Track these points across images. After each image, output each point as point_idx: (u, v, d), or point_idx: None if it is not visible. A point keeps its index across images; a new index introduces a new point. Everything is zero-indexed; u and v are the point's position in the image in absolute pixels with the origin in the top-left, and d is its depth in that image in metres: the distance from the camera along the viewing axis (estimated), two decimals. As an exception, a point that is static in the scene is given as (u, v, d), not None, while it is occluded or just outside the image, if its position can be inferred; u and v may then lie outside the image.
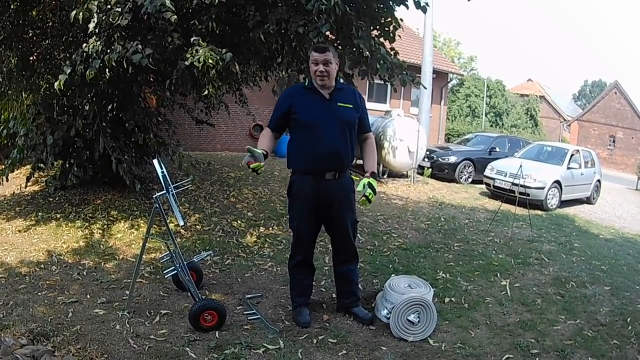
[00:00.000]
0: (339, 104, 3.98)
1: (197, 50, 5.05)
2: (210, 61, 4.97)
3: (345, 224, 4.17)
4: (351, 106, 4.01)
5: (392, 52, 6.31)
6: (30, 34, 7.04)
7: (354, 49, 5.73)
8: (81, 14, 5.00)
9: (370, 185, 3.90)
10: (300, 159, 4.03)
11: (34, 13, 6.59)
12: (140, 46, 4.97)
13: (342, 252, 4.31)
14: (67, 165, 7.03)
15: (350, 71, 6.45)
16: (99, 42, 5.06)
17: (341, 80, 4.60)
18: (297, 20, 5.39)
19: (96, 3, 4.97)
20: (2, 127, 7.35)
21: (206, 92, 5.40)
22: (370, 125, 7.77)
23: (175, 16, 4.82)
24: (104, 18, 4.95)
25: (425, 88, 7.76)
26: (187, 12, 5.56)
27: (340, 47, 6.06)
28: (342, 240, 4.25)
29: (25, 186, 7.26)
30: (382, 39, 6.31)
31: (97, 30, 5.05)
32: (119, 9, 4.89)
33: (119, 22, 4.88)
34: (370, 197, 3.90)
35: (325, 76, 3.89)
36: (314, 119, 3.93)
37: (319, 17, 5.07)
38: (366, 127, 4.21)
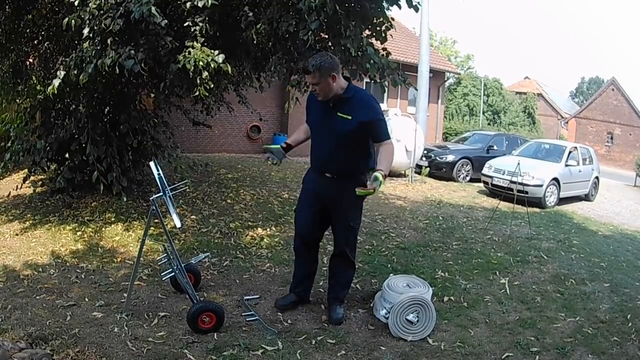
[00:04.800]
0: (339, 113, 3.93)
1: (189, 52, 5.05)
2: (202, 63, 4.98)
3: (338, 224, 4.28)
4: (349, 117, 3.90)
5: (383, 52, 6.30)
6: (26, 39, 7.03)
7: (343, 48, 5.73)
8: (73, 21, 4.99)
9: (376, 178, 3.68)
10: (312, 155, 4.25)
11: (28, 17, 6.58)
12: (132, 51, 4.97)
13: (335, 247, 4.43)
14: (62, 169, 7.01)
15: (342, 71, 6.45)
16: (92, 47, 5.06)
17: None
18: (288, 19, 5.39)
19: (88, 10, 4.97)
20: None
21: (197, 93, 5.38)
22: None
23: (166, 20, 4.82)
24: (96, 24, 4.94)
25: (417, 89, 7.76)
26: (181, 14, 5.55)
27: (331, 46, 6.07)
28: (335, 237, 4.39)
29: (21, 187, 7.22)
30: (373, 39, 6.30)
31: (91, 35, 5.04)
32: (111, 15, 4.89)
33: (111, 27, 4.88)
34: (366, 193, 3.76)
35: (319, 94, 3.94)
36: (315, 125, 4.18)
37: (309, 15, 5.07)
38: (378, 137, 3.96)
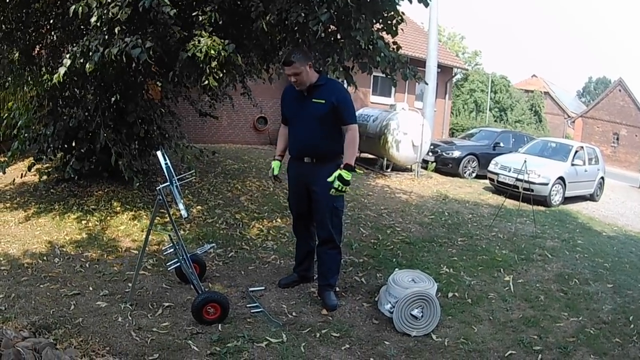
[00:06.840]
0: (313, 100, 4.30)
1: (199, 41, 5.04)
2: (212, 52, 4.98)
3: (321, 206, 4.40)
4: (323, 102, 4.26)
5: (393, 46, 6.28)
6: (33, 27, 7.00)
7: (353, 41, 5.72)
8: (80, 8, 4.98)
9: (340, 177, 4.10)
10: (289, 146, 4.60)
11: (36, 6, 6.55)
12: (140, 40, 4.96)
13: (318, 233, 4.55)
14: (68, 157, 7.01)
15: (351, 63, 6.43)
16: (99, 36, 5.05)
17: (329, 75, 5.36)
18: (298, 10, 5.38)
19: None
20: (4, 118, 7.34)
21: (206, 83, 5.38)
22: (375, 118, 7.42)
23: (175, 10, 4.81)
24: (104, 12, 4.93)
25: (427, 84, 7.76)
26: (190, 3, 5.53)
27: (341, 39, 6.06)
28: (317, 220, 4.54)
29: (24, 175, 7.24)
30: (384, 33, 6.28)
31: (98, 24, 5.03)
32: (119, 3, 4.87)
33: (119, 16, 4.87)
34: (339, 188, 4.11)
35: (298, 83, 4.28)
36: (293, 114, 4.51)
37: (319, 7, 5.07)
38: (344, 120, 4.31)
